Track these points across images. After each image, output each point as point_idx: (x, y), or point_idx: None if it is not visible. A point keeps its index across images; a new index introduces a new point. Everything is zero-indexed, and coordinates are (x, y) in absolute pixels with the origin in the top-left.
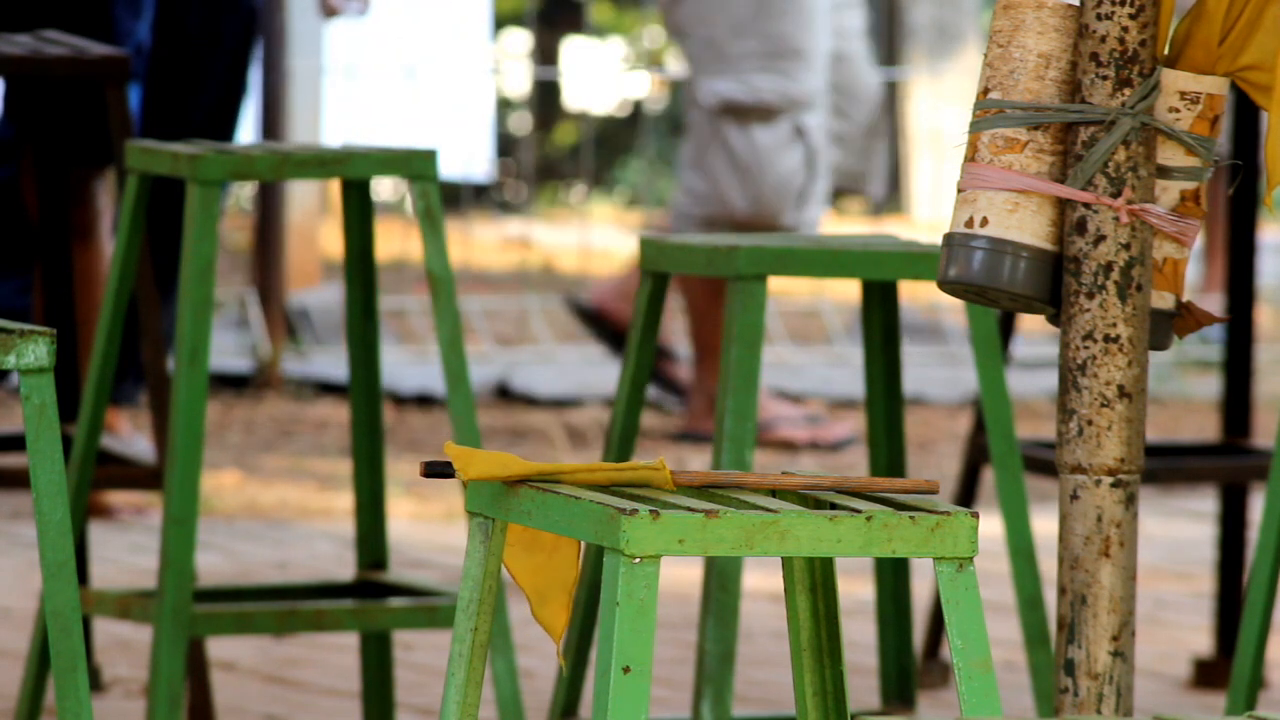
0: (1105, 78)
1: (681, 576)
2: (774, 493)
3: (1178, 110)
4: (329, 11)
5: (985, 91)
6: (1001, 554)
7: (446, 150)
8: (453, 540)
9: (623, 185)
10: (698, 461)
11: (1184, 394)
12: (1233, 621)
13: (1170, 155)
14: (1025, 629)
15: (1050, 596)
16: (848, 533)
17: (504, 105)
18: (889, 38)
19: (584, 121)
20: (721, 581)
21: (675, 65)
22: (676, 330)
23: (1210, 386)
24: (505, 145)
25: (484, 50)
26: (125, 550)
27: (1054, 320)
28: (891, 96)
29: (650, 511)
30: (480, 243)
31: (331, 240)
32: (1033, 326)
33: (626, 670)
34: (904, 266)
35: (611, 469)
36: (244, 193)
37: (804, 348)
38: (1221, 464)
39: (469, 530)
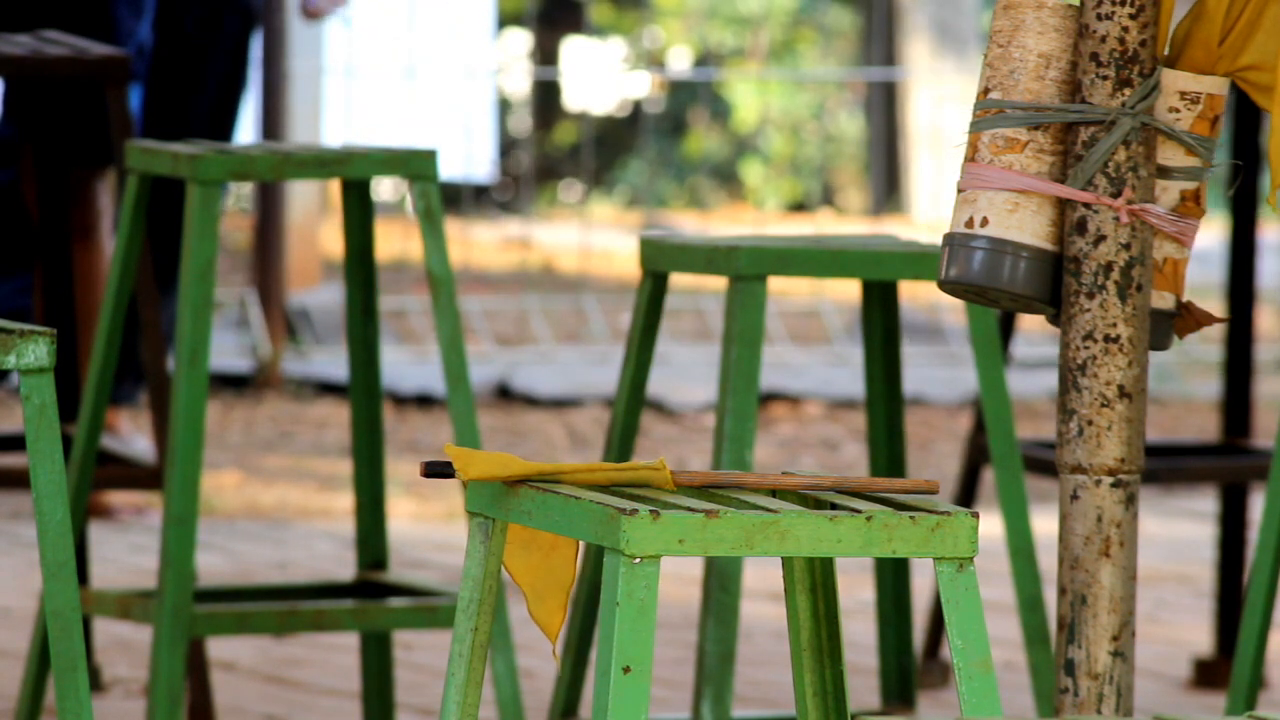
0: (1105, 78)
1: (681, 576)
2: (774, 493)
3: (1178, 110)
4: (311, 14)
5: (985, 91)
6: (1001, 554)
7: (446, 150)
8: (453, 540)
9: (623, 185)
10: (697, 461)
11: (1184, 394)
12: (1233, 621)
13: (1170, 155)
14: (1025, 629)
15: (1050, 596)
16: (848, 533)
17: (504, 105)
18: (889, 38)
19: (584, 121)
20: (721, 581)
21: (675, 65)
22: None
23: (1210, 386)
24: (505, 145)
25: (485, 50)
26: (125, 550)
27: (1054, 320)
28: (891, 96)
29: (650, 511)
30: (480, 243)
31: (331, 240)
32: (1033, 326)
33: (626, 670)
34: (904, 266)
35: (611, 469)
36: (244, 193)
37: (804, 348)
38: (1221, 464)
39: (469, 530)
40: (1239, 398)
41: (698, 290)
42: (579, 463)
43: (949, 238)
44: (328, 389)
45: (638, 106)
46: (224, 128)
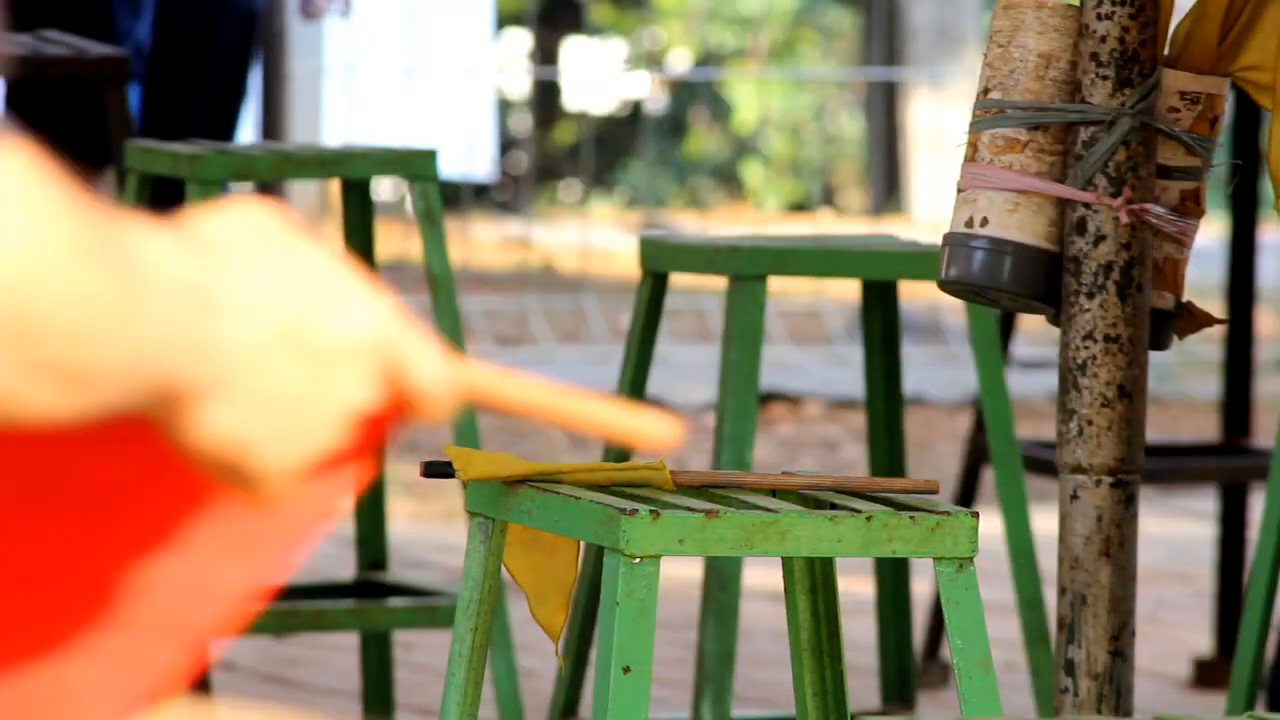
0: (1105, 78)
1: (681, 576)
2: (774, 493)
3: (1178, 110)
4: (310, 13)
5: (985, 91)
6: (1001, 554)
7: (446, 150)
8: (453, 540)
9: (623, 185)
10: (697, 462)
11: (1184, 394)
12: (1233, 621)
13: (1170, 155)
14: (1025, 629)
15: (1050, 596)
16: (848, 533)
17: (504, 105)
18: (889, 38)
19: (584, 121)
20: (721, 581)
21: (675, 65)
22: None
23: (1210, 386)
24: (505, 145)
25: (486, 50)
26: None
27: (1054, 320)
28: (891, 96)
29: (650, 511)
30: (480, 243)
31: (331, 240)
32: (1033, 326)
33: (626, 670)
34: (904, 266)
35: (611, 469)
36: (244, 193)
37: (804, 348)
38: (1221, 464)
39: (469, 530)
40: (1239, 398)
41: (698, 290)
42: (579, 463)
43: (949, 238)
44: None
45: (638, 106)
46: (225, 130)
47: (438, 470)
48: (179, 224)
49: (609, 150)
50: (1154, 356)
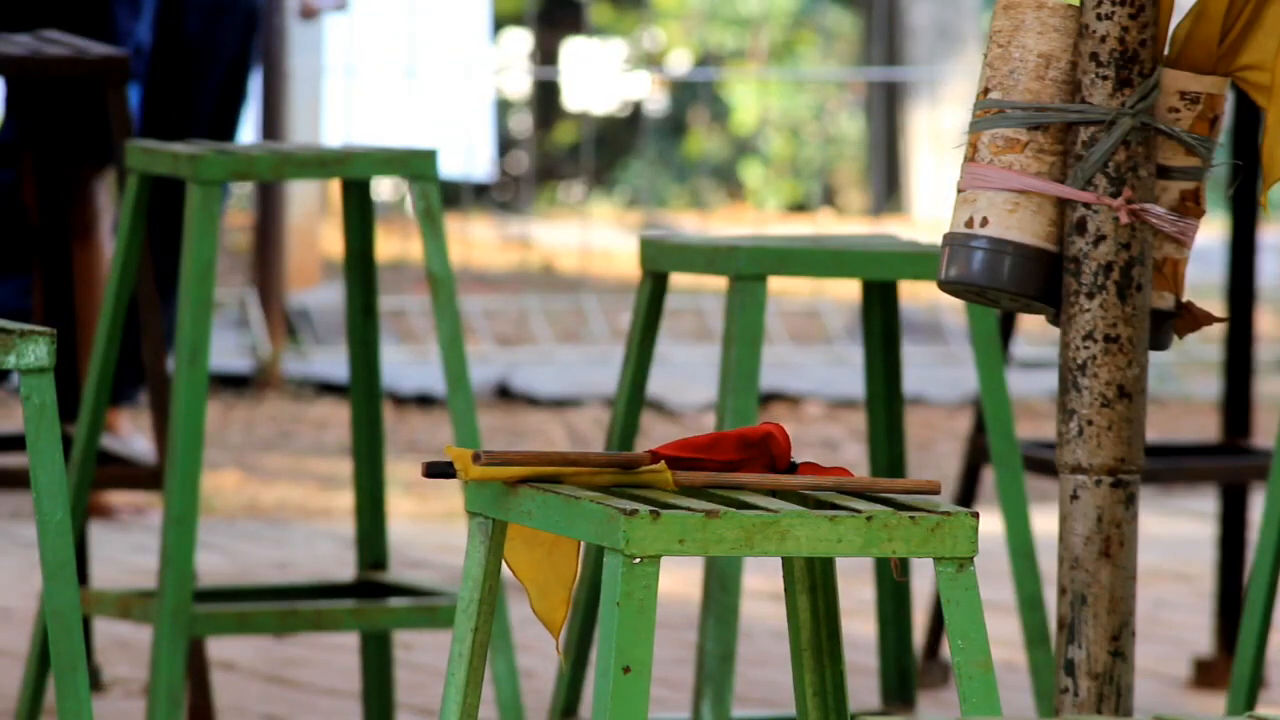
0: (1105, 78)
1: (681, 576)
2: (774, 493)
3: (1178, 110)
4: (307, 13)
5: (985, 91)
6: (1001, 554)
7: (446, 150)
8: (453, 540)
9: (623, 185)
10: None
11: (1184, 394)
12: (1233, 621)
13: (1170, 155)
14: (1025, 629)
15: (1050, 596)
16: (848, 533)
17: (504, 105)
18: (889, 38)
19: (584, 121)
20: (721, 581)
21: (675, 65)
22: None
23: (1210, 386)
24: (505, 145)
25: (484, 50)
26: (125, 550)
27: (1054, 320)
28: (891, 97)
29: (650, 511)
30: (480, 243)
31: (331, 240)
32: (1033, 326)
33: (626, 670)
34: (904, 266)
35: (611, 471)
36: (244, 193)
37: (804, 348)
38: (1221, 464)
39: (469, 530)
40: (1239, 398)
41: (698, 290)
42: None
43: (949, 238)
44: (328, 389)
45: (638, 106)
46: (226, 130)
47: (438, 470)
48: None
49: (609, 150)
50: (1154, 356)
